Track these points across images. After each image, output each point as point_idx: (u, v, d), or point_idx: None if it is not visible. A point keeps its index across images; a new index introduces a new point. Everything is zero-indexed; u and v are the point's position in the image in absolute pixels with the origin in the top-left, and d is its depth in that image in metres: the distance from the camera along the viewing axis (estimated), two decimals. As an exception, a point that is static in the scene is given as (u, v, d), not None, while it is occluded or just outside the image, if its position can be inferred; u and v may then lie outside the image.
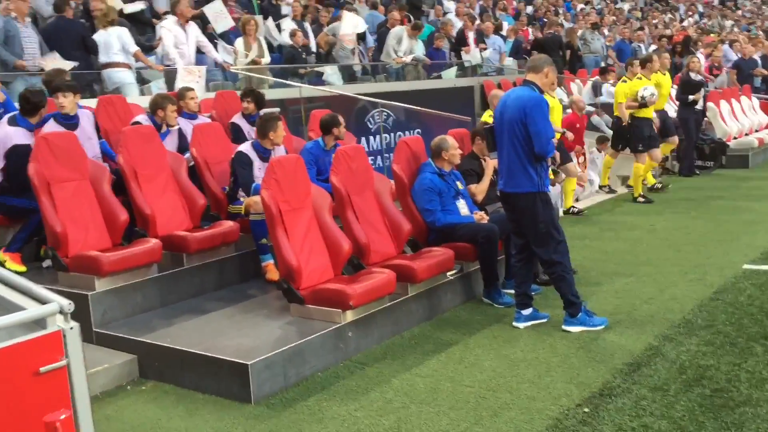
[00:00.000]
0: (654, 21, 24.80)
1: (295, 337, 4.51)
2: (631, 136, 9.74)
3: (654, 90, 9.68)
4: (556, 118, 8.29)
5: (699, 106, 12.01)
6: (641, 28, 21.68)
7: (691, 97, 11.62)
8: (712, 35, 23.04)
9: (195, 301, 5.39)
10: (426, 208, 5.81)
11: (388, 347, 4.86)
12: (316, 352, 4.50)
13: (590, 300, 5.40)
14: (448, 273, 5.64)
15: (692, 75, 12.00)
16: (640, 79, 9.72)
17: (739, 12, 37.87)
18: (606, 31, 19.28)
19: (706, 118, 12.62)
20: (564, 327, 4.98)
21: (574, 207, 8.99)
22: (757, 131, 13.90)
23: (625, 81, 9.89)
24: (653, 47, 17.85)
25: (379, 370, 4.49)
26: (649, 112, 9.72)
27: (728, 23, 31.50)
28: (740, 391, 3.84)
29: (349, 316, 4.74)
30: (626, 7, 27.60)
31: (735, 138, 12.96)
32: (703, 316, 5.03)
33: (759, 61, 17.08)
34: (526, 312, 5.15)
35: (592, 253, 7.01)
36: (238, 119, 7.16)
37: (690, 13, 32.77)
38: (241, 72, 9.51)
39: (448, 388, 4.17)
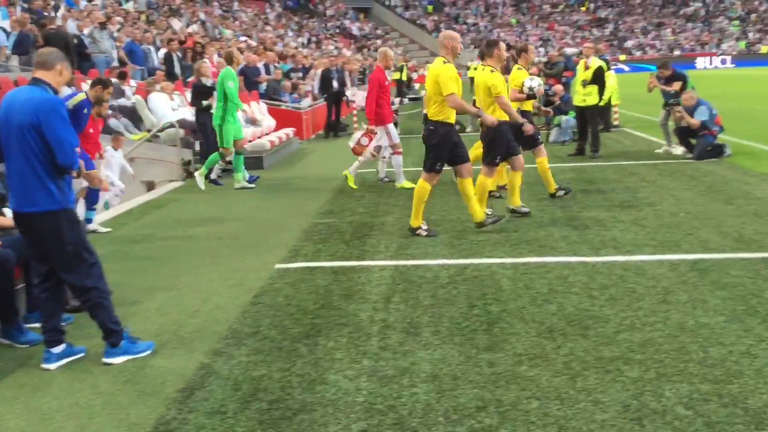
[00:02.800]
0: (163, 25, 24.84)
1: None
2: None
3: (540, 80, 9.21)
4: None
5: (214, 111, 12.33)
6: (147, 31, 21.48)
7: (205, 102, 11.85)
8: (217, 42, 24.12)
9: None
10: None
11: None
12: None
13: (131, 322, 4.92)
14: (-51, 316, 4.52)
15: (204, 80, 12.24)
16: (520, 69, 9.07)
17: (237, 23, 40.73)
18: (115, 32, 18.56)
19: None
20: (105, 360, 4.40)
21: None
22: (267, 134, 14.95)
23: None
24: (163, 50, 17.83)
25: None
26: (531, 105, 9.13)
27: (228, 32, 33.54)
28: (295, 398, 3.84)
29: None
30: (131, 7, 27.13)
31: (249, 141, 13.68)
32: (248, 323, 4.99)
33: (262, 69, 18.46)
34: (58, 350, 4.40)
35: (126, 268, 6.49)
36: None
37: (194, 19, 33.87)
38: None
39: (-37, 469, 3.27)
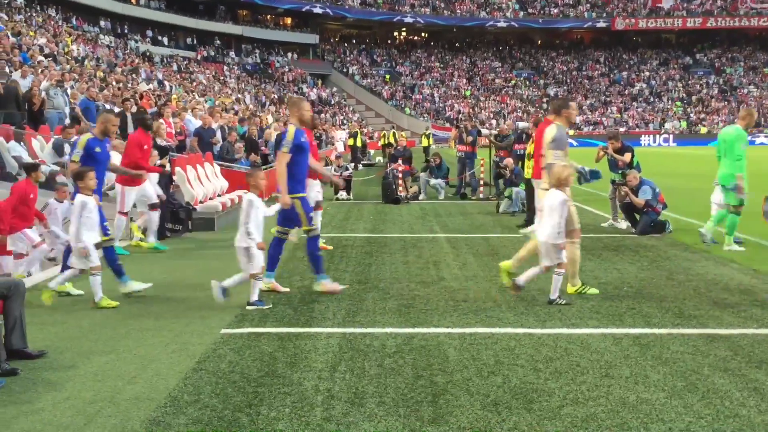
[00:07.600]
0: (116, 84, 24.82)
1: None
2: None
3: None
4: None
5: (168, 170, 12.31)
6: (103, 89, 21.45)
7: (159, 162, 11.80)
8: (173, 102, 24.16)
9: None
10: None
11: None
12: None
13: (66, 387, 4.76)
14: None
15: (159, 140, 12.24)
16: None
17: (195, 83, 40.93)
18: (68, 89, 18.46)
19: (174, 183, 12.97)
20: None
21: None
22: (219, 195, 14.89)
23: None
24: (118, 109, 17.75)
25: None
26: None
27: (186, 92, 33.65)
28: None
29: None
30: (88, 65, 27.12)
31: (201, 202, 13.60)
32: (188, 391, 4.85)
33: (217, 131, 18.50)
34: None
35: (64, 330, 6.29)
36: None
37: (152, 78, 33.94)
38: None
39: None
